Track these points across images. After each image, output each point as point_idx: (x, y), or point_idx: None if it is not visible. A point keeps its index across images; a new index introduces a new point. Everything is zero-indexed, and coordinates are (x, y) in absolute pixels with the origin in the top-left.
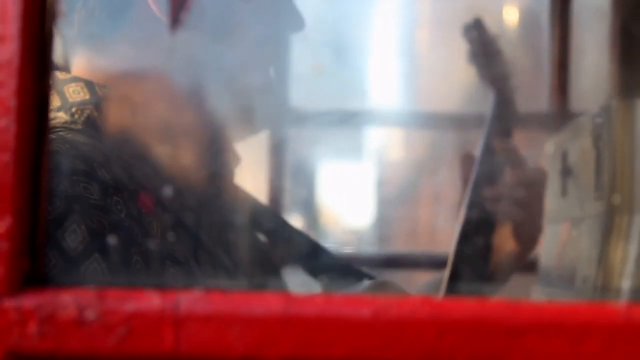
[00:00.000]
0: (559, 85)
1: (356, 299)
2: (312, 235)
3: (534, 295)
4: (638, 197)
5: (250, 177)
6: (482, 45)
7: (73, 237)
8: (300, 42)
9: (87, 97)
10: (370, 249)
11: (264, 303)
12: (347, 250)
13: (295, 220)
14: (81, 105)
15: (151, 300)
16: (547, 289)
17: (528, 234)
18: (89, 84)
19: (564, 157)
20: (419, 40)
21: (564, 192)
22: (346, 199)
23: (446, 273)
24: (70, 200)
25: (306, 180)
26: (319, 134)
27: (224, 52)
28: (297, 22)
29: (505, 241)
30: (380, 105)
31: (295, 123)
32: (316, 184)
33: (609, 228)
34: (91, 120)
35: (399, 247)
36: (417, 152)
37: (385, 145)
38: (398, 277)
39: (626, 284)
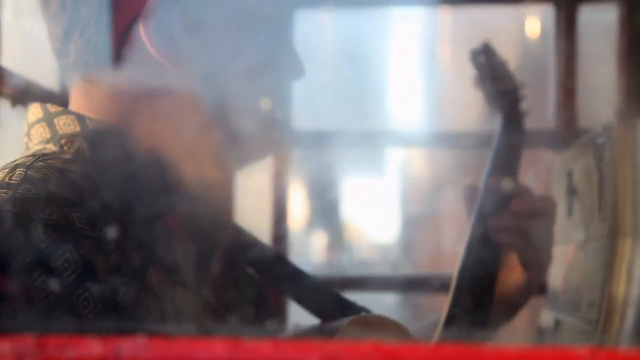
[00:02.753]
0: (565, 102)
1: (304, 345)
2: (337, 251)
3: (543, 320)
4: None
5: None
6: (491, 69)
7: (65, 265)
8: (320, 61)
9: (78, 129)
10: (393, 269)
11: (209, 349)
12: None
13: (321, 237)
14: (71, 137)
15: (92, 348)
16: (555, 314)
17: (536, 265)
18: (80, 117)
19: (569, 176)
20: (440, 57)
21: (570, 212)
22: (370, 216)
23: (444, 311)
24: (59, 230)
25: (331, 197)
26: (343, 152)
27: (221, 84)
28: (298, 70)
29: (512, 272)
30: (402, 124)
31: (319, 142)
32: (341, 201)
33: (612, 251)
34: (81, 152)
35: (424, 264)
36: (441, 169)
37: (408, 163)
38: (423, 300)
39: (630, 310)
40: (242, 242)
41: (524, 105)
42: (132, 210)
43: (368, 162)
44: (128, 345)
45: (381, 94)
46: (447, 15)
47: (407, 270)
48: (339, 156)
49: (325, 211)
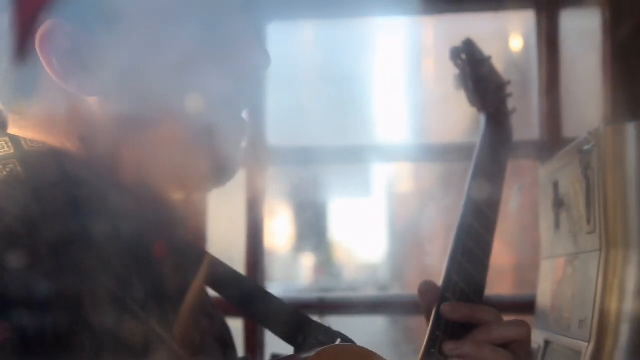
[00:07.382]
0: (550, 111)
1: None
2: (324, 273)
3: (533, 341)
4: (633, 229)
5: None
6: (473, 67)
7: None
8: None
9: (12, 151)
10: (381, 291)
11: None
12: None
13: (309, 258)
14: (4, 160)
15: None
16: (544, 334)
17: None
18: (15, 139)
19: (555, 187)
20: (423, 70)
21: (557, 225)
22: (358, 235)
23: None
24: None
25: (318, 217)
26: (329, 170)
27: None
28: (264, 60)
29: None
30: (386, 138)
31: (306, 160)
32: (328, 221)
33: (603, 265)
34: (14, 175)
35: (413, 284)
36: (427, 184)
37: (394, 179)
38: (412, 322)
39: (624, 327)
40: (214, 271)
41: (509, 103)
42: (80, 233)
43: (353, 180)
44: None
45: (364, 108)
46: (429, 27)
47: (396, 291)
48: (324, 175)
49: (312, 232)
